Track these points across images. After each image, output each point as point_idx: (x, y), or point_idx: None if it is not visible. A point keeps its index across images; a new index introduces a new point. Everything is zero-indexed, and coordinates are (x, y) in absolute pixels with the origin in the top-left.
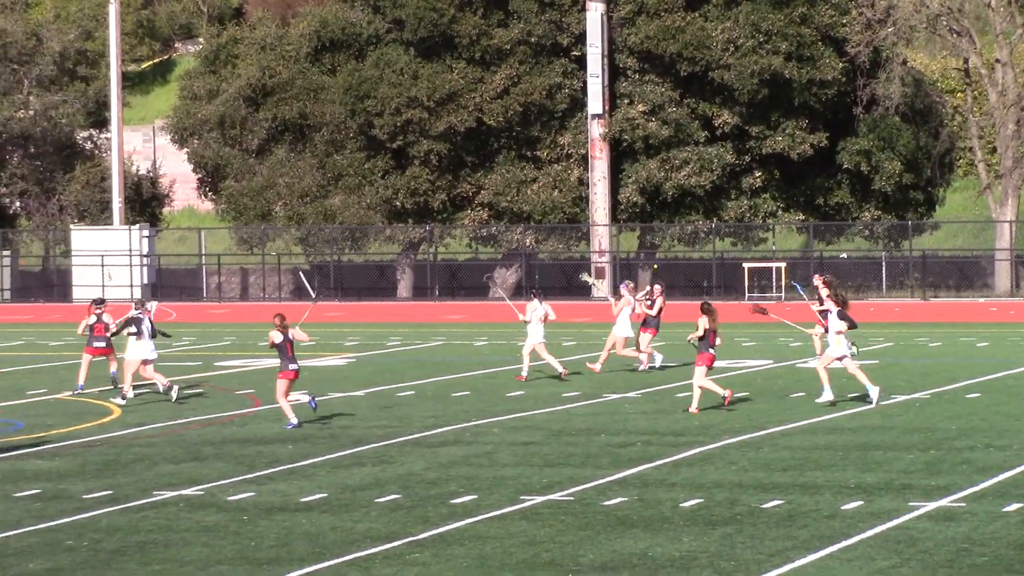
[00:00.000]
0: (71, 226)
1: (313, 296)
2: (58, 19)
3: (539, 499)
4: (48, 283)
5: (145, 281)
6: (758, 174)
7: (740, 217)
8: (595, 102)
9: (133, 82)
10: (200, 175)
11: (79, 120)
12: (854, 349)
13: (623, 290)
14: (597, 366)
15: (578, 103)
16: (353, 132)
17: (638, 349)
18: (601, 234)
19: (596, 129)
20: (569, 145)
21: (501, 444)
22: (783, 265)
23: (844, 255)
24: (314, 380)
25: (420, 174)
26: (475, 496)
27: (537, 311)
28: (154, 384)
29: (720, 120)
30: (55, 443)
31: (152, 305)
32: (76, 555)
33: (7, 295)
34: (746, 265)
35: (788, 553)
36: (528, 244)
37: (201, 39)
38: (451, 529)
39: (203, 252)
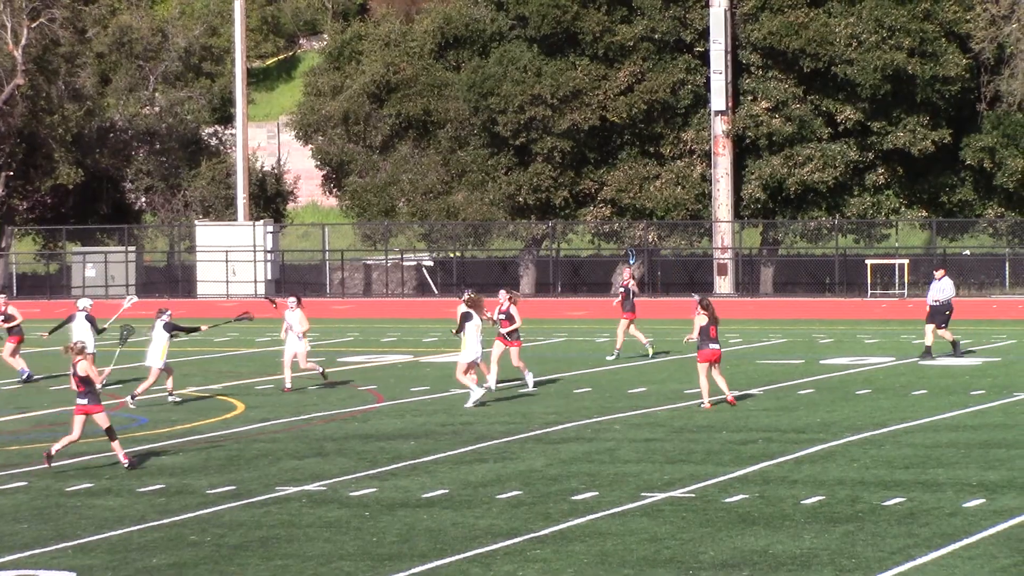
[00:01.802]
0: (196, 222)
1: (434, 290)
2: (183, 15)
3: (660, 496)
4: (172, 279)
5: (269, 277)
6: (881, 170)
7: (863, 214)
8: (718, 99)
9: (258, 78)
10: (324, 171)
11: (204, 116)
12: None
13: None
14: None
15: (701, 100)
16: (476, 129)
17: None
18: (724, 231)
19: (719, 126)
20: (692, 141)
21: (623, 441)
22: (906, 262)
23: (967, 252)
24: (436, 377)
25: (543, 171)
26: (596, 493)
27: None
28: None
29: (843, 116)
30: (179, 439)
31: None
32: (199, 550)
33: (132, 290)
34: (868, 262)
35: (909, 551)
36: (650, 241)
37: (325, 35)
38: (572, 526)
39: (326, 248)
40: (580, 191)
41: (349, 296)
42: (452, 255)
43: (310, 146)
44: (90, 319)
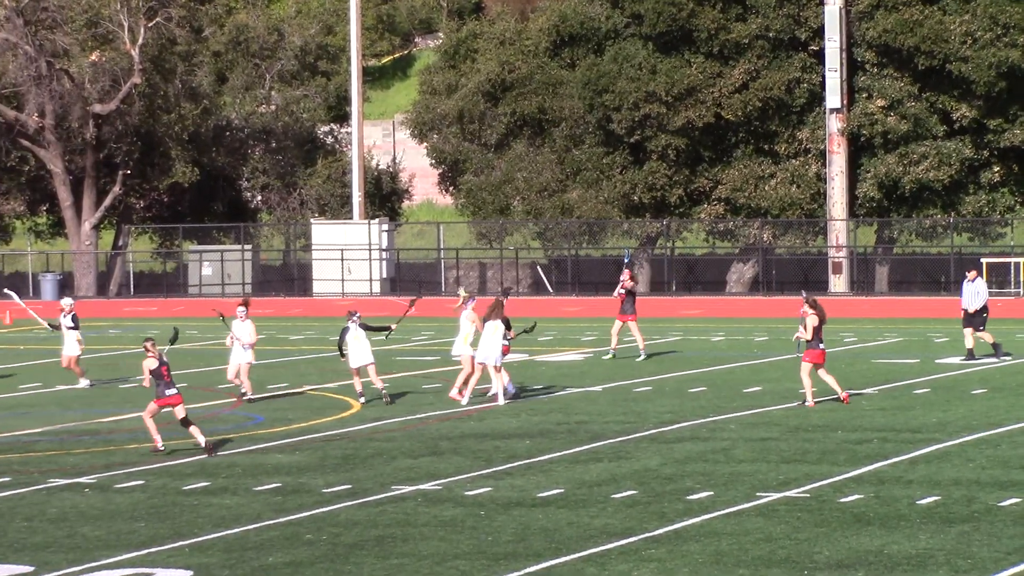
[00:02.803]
0: (311, 220)
1: (550, 289)
2: (299, 14)
3: (775, 495)
4: (288, 277)
5: (384, 275)
6: (996, 168)
7: (978, 212)
8: (833, 97)
9: (373, 77)
10: (439, 170)
11: (320, 115)
12: None
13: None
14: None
15: (817, 98)
16: (591, 127)
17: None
18: (839, 229)
19: (834, 124)
20: (807, 140)
21: (738, 440)
22: (1021, 260)
23: None
24: (552, 375)
25: (658, 169)
26: (711, 492)
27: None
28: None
29: (958, 114)
30: (295, 437)
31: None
32: (315, 549)
33: (248, 289)
34: (984, 260)
35: None
36: (765, 239)
37: (441, 34)
38: (687, 525)
39: (442, 246)
40: (695, 189)
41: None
42: (567, 253)
43: (425, 144)
44: (75, 318)
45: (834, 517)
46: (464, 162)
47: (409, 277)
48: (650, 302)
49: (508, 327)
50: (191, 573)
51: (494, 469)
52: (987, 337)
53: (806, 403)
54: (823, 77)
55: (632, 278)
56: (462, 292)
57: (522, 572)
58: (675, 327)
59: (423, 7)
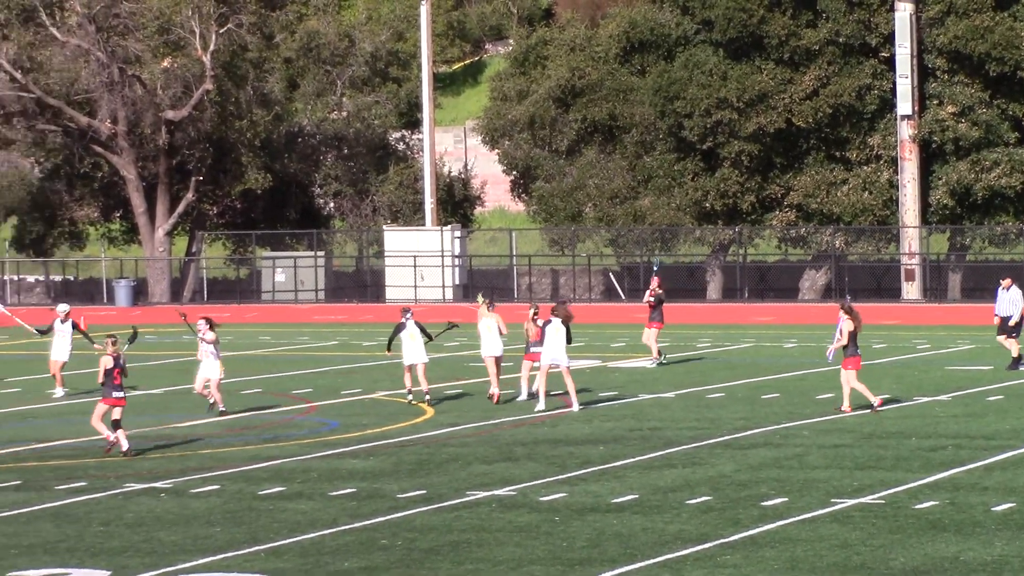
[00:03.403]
0: (384, 227)
1: (622, 296)
2: (370, 20)
3: (850, 502)
4: (361, 283)
5: (456, 281)
6: None
7: None
8: (904, 103)
9: (444, 83)
10: (511, 176)
11: (391, 121)
12: None
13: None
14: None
15: (887, 104)
16: (663, 133)
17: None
18: (911, 236)
19: (905, 130)
20: (879, 147)
21: (811, 447)
22: None
23: None
24: (624, 381)
25: (730, 175)
26: (785, 499)
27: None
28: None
29: None
30: (370, 443)
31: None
32: (390, 554)
33: (321, 295)
34: None
35: None
36: (837, 246)
37: (511, 40)
38: (761, 531)
39: (514, 253)
40: (767, 196)
41: (537, 301)
42: (639, 260)
43: (496, 151)
44: (74, 324)
45: (909, 524)
46: (535, 168)
47: (481, 284)
48: (722, 309)
49: (569, 328)
50: None
51: (568, 475)
52: (1014, 347)
53: (842, 407)
54: (894, 83)
55: (660, 286)
56: (481, 298)
57: None
58: (748, 334)
59: (493, 14)
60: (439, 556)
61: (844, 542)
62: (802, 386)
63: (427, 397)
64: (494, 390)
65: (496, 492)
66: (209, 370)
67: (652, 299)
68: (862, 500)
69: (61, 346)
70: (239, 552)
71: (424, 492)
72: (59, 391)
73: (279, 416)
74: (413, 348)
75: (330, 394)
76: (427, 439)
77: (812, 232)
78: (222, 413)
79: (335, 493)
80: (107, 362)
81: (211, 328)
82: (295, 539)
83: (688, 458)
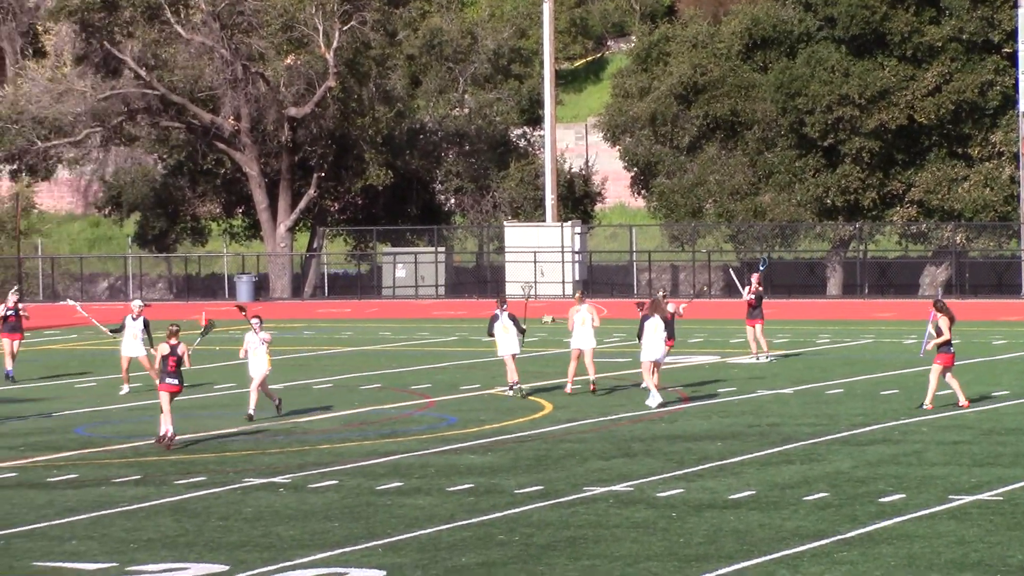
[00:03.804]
0: (504, 223)
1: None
2: (493, 18)
3: (968, 499)
4: (481, 279)
5: (576, 277)
6: None
7: None
8: None
9: (566, 80)
10: (632, 172)
11: (513, 118)
12: None
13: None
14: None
15: (1010, 100)
16: (784, 130)
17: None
18: None
19: None
20: (1000, 143)
21: (930, 443)
22: None
23: None
24: (743, 378)
25: (851, 172)
26: (903, 495)
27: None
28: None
29: None
30: (488, 438)
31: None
32: (507, 549)
33: (441, 291)
34: None
35: None
36: (958, 242)
37: (633, 37)
38: (879, 528)
39: (634, 249)
40: (888, 192)
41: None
42: (759, 256)
43: (618, 147)
44: (146, 322)
45: None
46: (656, 165)
47: (601, 280)
48: (842, 305)
49: (670, 325)
50: (384, 573)
51: (686, 471)
52: None
53: (924, 405)
54: (1016, 80)
55: (760, 283)
56: (578, 294)
57: (714, 574)
58: (867, 330)
59: (616, 10)
60: (556, 552)
61: (961, 539)
62: (921, 382)
63: (519, 387)
64: (589, 379)
65: (613, 488)
66: (258, 367)
67: (752, 296)
68: (980, 497)
69: (131, 342)
70: (357, 547)
71: (541, 488)
72: (125, 388)
73: (398, 411)
74: (506, 340)
75: (449, 390)
76: (545, 435)
77: (933, 228)
78: (249, 417)
79: (453, 488)
80: (163, 349)
81: (262, 326)
82: (412, 534)
83: (806, 454)
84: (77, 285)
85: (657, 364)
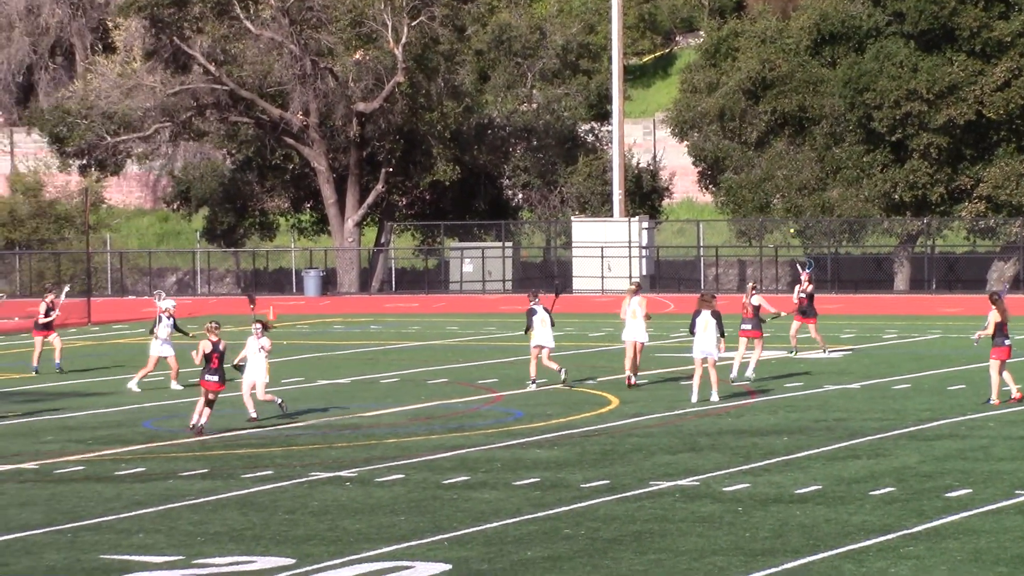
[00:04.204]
0: (572, 218)
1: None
2: (561, 13)
3: None
4: (548, 274)
5: (644, 272)
6: None
7: None
8: None
9: (634, 75)
10: (699, 168)
11: (581, 113)
12: None
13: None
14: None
15: None
16: (852, 125)
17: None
18: None
19: None
20: None
21: (997, 438)
22: None
23: None
24: (810, 372)
25: (919, 167)
26: (970, 490)
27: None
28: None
29: None
30: (554, 432)
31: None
32: (573, 544)
33: (508, 286)
34: None
35: None
36: None
37: (702, 32)
38: (945, 523)
39: (701, 244)
40: (956, 187)
41: (723, 292)
42: (827, 251)
43: (686, 143)
44: (172, 319)
45: None
46: (724, 160)
47: (668, 275)
48: (909, 300)
49: (720, 321)
50: (450, 567)
51: (752, 465)
52: None
53: (991, 400)
54: None
55: (810, 280)
56: (630, 285)
57: (780, 568)
58: (935, 325)
59: (684, 6)
60: (622, 546)
61: None
62: (988, 377)
63: (564, 377)
64: (629, 375)
65: (679, 482)
66: (256, 372)
67: (804, 295)
68: None
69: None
70: (423, 541)
71: (608, 482)
72: (176, 385)
73: (464, 406)
74: (542, 332)
75: (515, 384)
76: (611, 429)
77: (1001, 223)
78: (251, 420)
79: (519, 483)
80: (206, 346)
81: (264, 332)
82: (478, 528)
83: (873, 449)
84: (145, 280)
85: (710, 360)
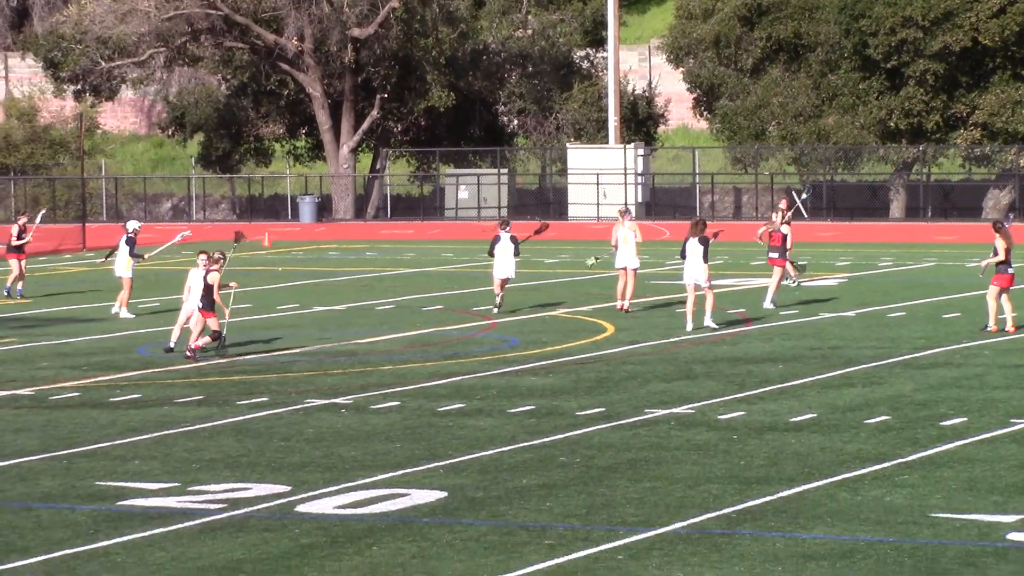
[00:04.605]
0: (567, 145)
1: (804, 215)
2: None
3: None
4: (544, 201)
5: (639, 199)
6: None
7: None
8: None
9: (630, 1)
10: (695, 95)
11: (576, 39)
12: None
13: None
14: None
15: None
16: (848, 52)
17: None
18: None
19: None
20: None
21: (992, 367)
22: None
23: None
24: (805, 300)
25: (914, 94)
26: (965, 418)
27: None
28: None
29: None
30: (549, 360)
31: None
32: (568, 471)
33: (504, 212)
34: None
35: None
36: (1022, 165)
37: None
38: (940, 451)
39: (696, 171)
40: (951, 115)
41: (719, 219)
42: (822, 179)
43: (681, 69)
44: (131, 243)
45: None
46: (719, 87)
47: (664, 202)
48: (905, 228)
49: (707, 247)
50: (446, 494)
51: (747, 393)
52: None
53: (987, 327)
54: None
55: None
56: (621, 212)
57: (775, 496)
58: (930, 253)
59: None
60: (616, 474)
61: (1023, 462)
62: (983, 305)
63: (497, 308)
64: (623, 302)
65: (674, 410)
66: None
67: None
68: None
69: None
70: (418, 468)
71: (603, 410)
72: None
73: (460, 333)
74: (504, 263)
75: (510, 311)
76: (607, 356)
77: (997, 151)
78: (168, 350)
79: (514, 410)
80: (212, 278)
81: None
82: (474, 455)
83: (867, 377)
84: (140, 206)
85: (698, 287)
